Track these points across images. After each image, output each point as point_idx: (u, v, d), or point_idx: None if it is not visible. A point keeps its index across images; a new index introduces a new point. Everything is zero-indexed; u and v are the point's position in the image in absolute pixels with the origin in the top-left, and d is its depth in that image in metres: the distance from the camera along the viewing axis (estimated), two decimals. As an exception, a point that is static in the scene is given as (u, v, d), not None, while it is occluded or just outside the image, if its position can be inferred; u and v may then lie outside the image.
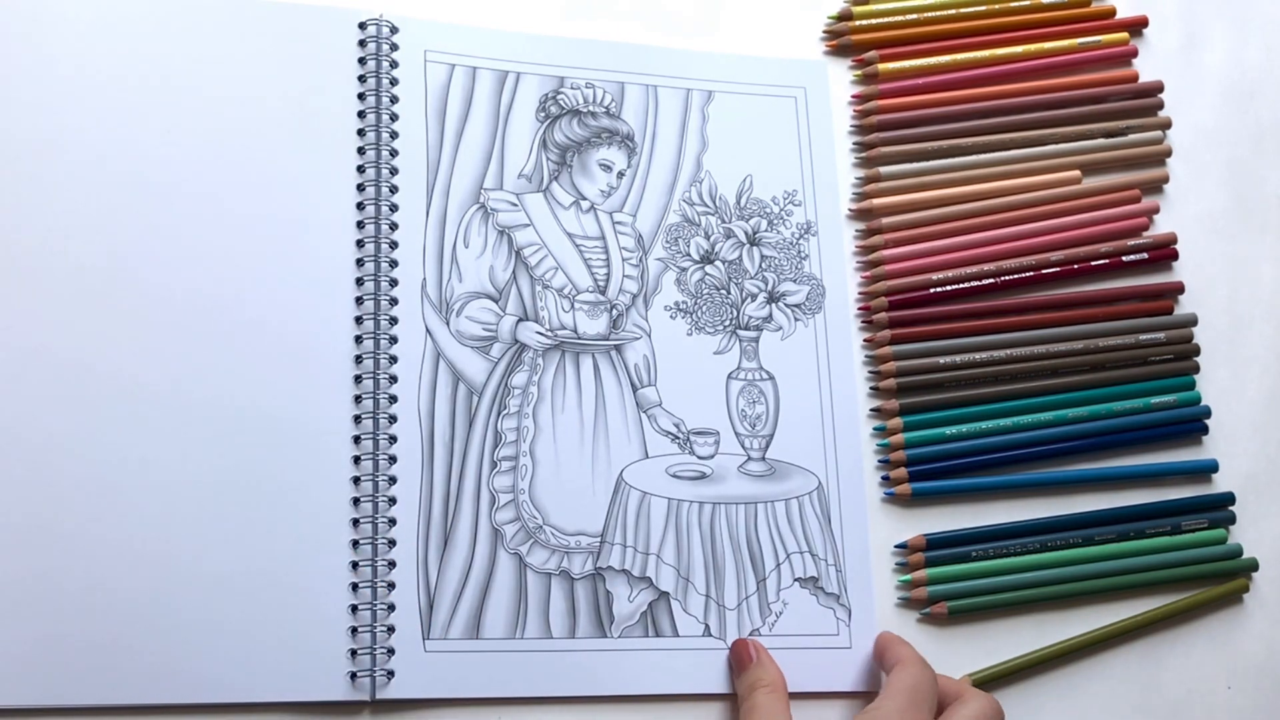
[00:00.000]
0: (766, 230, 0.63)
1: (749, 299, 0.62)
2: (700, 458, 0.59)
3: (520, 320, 0.59)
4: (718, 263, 0.62)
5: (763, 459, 0.60)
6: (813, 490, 0.59)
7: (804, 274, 0.63)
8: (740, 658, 0.55)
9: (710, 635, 0.56)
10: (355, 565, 0.54)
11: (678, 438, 0.59)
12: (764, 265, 0.63)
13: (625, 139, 0.63)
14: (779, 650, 0.55)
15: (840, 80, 0.68)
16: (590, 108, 0.63)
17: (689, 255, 0.62)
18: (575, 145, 0.62)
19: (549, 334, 0.59)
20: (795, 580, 0.58)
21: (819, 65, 0.68)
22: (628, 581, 0.56)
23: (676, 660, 0.55)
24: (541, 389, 0.58)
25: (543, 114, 0.62)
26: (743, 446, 0.60)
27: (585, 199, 0.62)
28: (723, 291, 0.61)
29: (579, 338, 0.59)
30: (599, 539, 0.56)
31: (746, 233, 0.63)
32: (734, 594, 0.57)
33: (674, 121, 0.64)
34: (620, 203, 0.62)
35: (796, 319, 0.62)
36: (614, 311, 0.60)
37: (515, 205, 0.61)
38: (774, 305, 0.62)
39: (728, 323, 0.61)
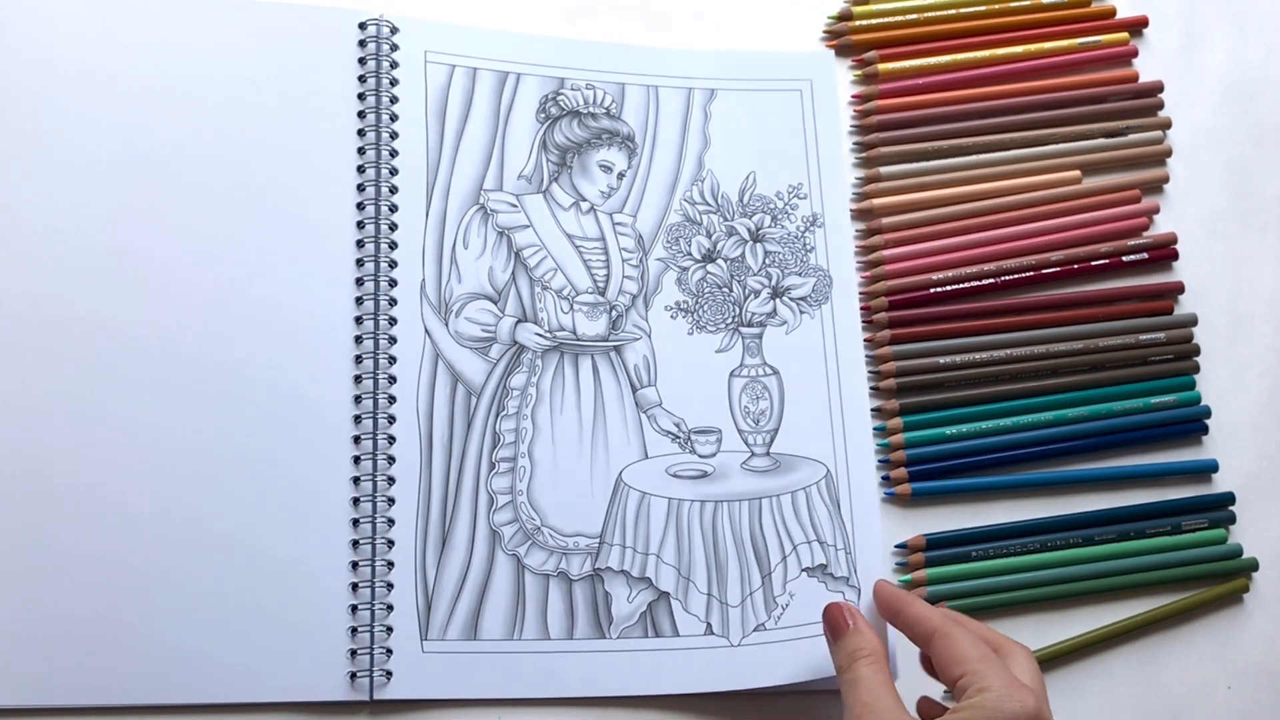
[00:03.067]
0: (770, 226, 0.63)
1: (752, 295, 0.61)
2: (702, 456, 0.59)
3: (519, 321, 0.59)
4: (720, 261, 0.62)
5: (767, 454, 0.59)
6: (820, 479, 0.59)
7: (810, 266, 0.62)
8: (835, 624, 0.51)
9: (712, 634, 0.56)
10: (355, 565, 0.54)
11: (678, 437, 0.59)
12: (768, 261, 0.62)
13: (626, 140, 0.63)
14: (788, 642, 0.55)
15: (840, 80, 0.68)
16: (590, 109, 0.63)
17: (690, 254, 0.62)
18: (575, 146, 0.62)
19: (548, 335, 0.59)
20: (803, 570, 0.57)
21: (825, 56, 0.67)
22: (627, 582, 0.56)
23: (677, 660, 0.55)
24: (540, 390, 0.58)
25: (543, 115, 0.62)
26: (746, 443, 0.59)
27: (585, 200, 0.62)
28: (725, 290, 0.61)
29: (578, 339, 0.59)
30: (598, 540, 0.56)
31: (750, 229, 0.62)
32: (737, 591, 0.56)
33: (675, 121, 0.64)
34: (621, 203, 0.62)
35: (802, 311, 0.62)
36: (613, 312, 0.60)
37: (515, 206, 0.61)
38: (778, 300, 0.61)
39: (730, 320, 0.61)
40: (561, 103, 0.63)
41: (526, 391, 0.58)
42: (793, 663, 0.55)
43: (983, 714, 0.45)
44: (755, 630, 0.56)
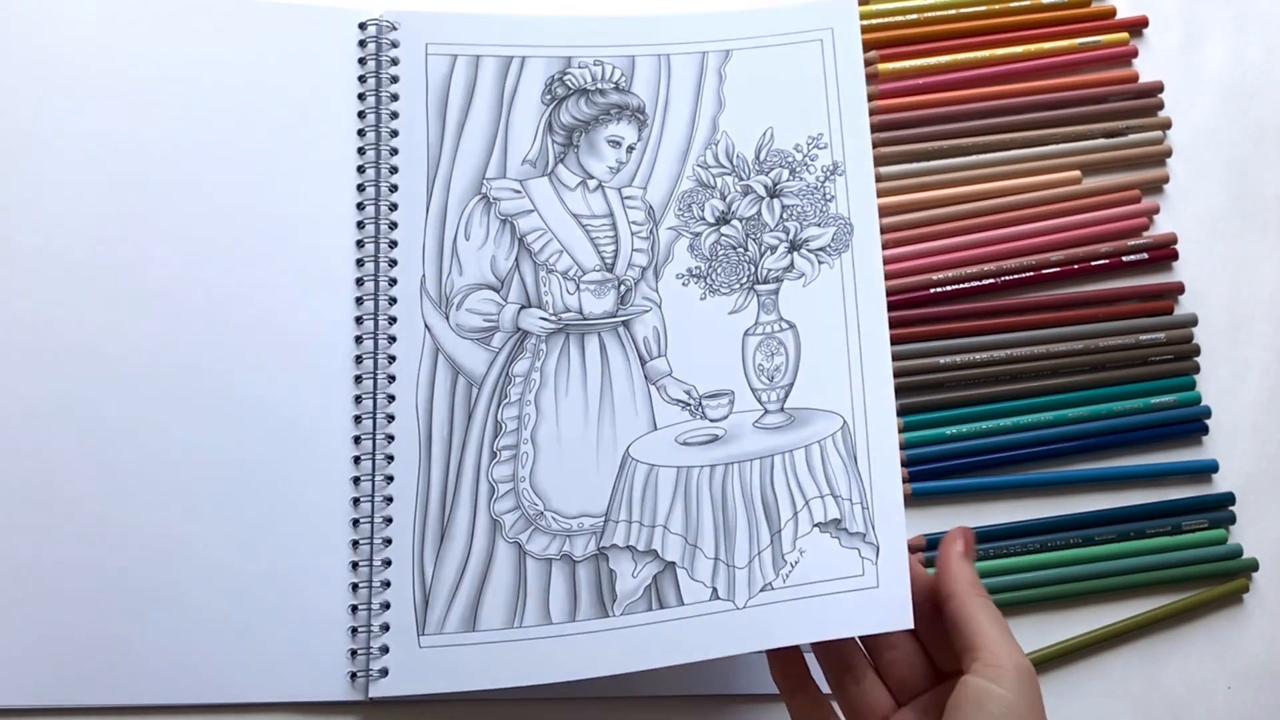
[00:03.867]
0: (788, 180, 0.59)
1: (768, 252, 0.57)
2: (712, 420, 0.56)
3: (523, 308, 0.57)
4: (735, 222, 0.58)
5: (781, 409, 0.55)
6: (836, 431, 0.55)
7: (830, 216, 0.58)
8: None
9: (718, 598, 0.52)
10: (355, 565, 0.54)
11: (689, 404, 0.56)
12: (785, 215, 0.58)
13: (636, 112, 0.60)
14: (795, 601, 0.51)
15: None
16: (599, 85, 0.60)
17: (704, 219, 0.58)
18: (582, 125, 0.59)
19: (552, 318, 0.57)
20: (814, 526, 0.53)
21: (847, 4, 0.62)
22: (632, 557, 0.53)
23: (680, 629, 0.52)
24: (545, 375, 0.56)
25: (549, 96, 0.60)
26: (759, 401, 0.56)
27: (593, 178, 0.59)
28: (739, 250, 0.58)
29: (584, 319, 0.57)
30: (602, 518, 0.54)
31: (766, 185, 0.59)
32: (745, 552, 0.53)
33: (688, 87, 0.61)
34: (630, 177, 0.59)
35: (821, 262, 0.57)
36: (621, 288, 0.58)
37: (518, 192, 0.59)
38: (795, 253, 0.57)
39: (744, 280, 0.57)
40: (568, 82, 0.60)
41: (530, 377, 0.56)
42: (799, 625, 0.51)
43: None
44: (762, 590, 0.52)
